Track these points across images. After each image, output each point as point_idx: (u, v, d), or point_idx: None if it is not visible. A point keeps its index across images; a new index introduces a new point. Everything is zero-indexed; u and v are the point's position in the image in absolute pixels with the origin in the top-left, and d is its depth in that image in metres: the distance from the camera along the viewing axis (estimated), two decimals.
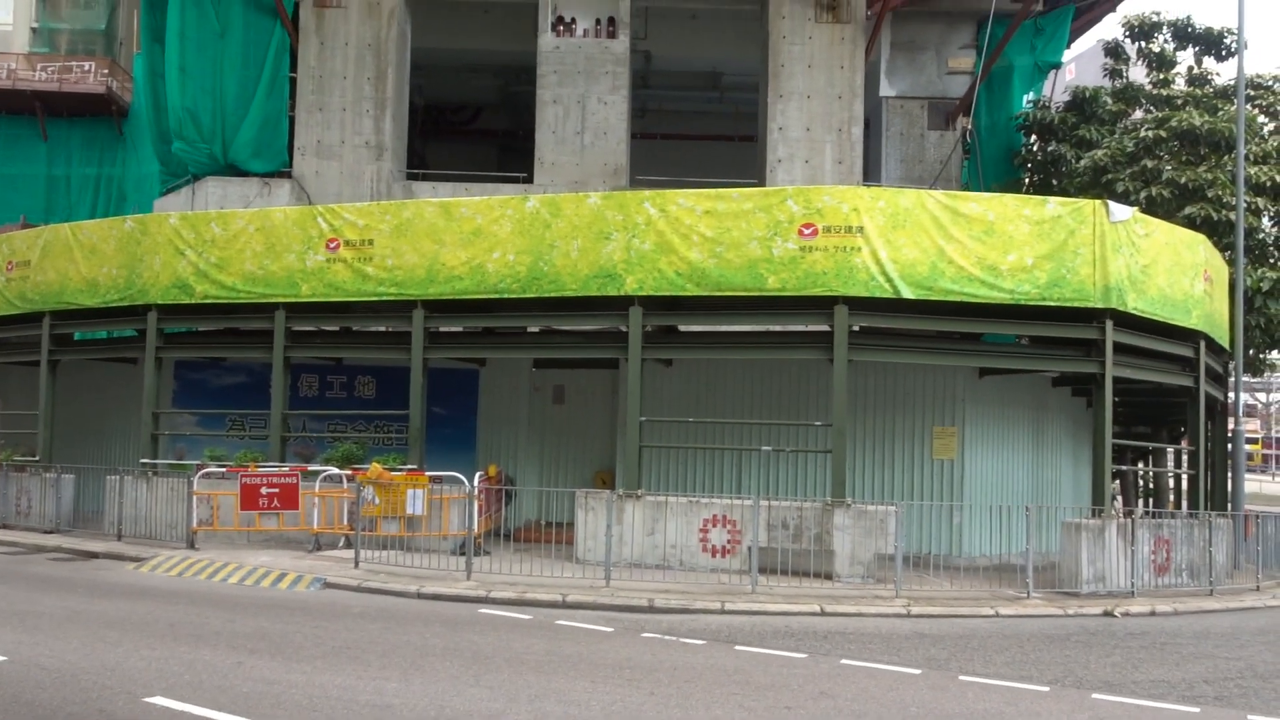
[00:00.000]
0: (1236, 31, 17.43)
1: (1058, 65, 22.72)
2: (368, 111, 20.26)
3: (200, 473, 14.41)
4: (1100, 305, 13.07)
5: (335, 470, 14.19)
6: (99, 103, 26.56)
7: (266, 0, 19.88)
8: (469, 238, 14.19)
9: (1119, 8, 23.20)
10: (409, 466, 14.04)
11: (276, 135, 20.23)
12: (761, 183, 20.03)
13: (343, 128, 20.26)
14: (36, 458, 16.85)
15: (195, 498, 14.02)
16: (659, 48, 23.55)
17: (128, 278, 15.81)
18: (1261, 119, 19.44)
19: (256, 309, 15.23)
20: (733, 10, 21.57)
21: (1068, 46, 23.27)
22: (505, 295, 14.03)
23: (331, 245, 14.74)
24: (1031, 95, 22.54)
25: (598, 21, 20.63)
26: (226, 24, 19.89)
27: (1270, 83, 20.13)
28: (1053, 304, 13.06)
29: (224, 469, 14.47)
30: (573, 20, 20.63)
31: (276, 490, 13.61)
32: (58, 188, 26.81)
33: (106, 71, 27.26)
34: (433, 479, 13.59)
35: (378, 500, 13.23)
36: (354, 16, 20.32)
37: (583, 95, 20.40)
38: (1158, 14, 20.29)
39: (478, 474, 13.49)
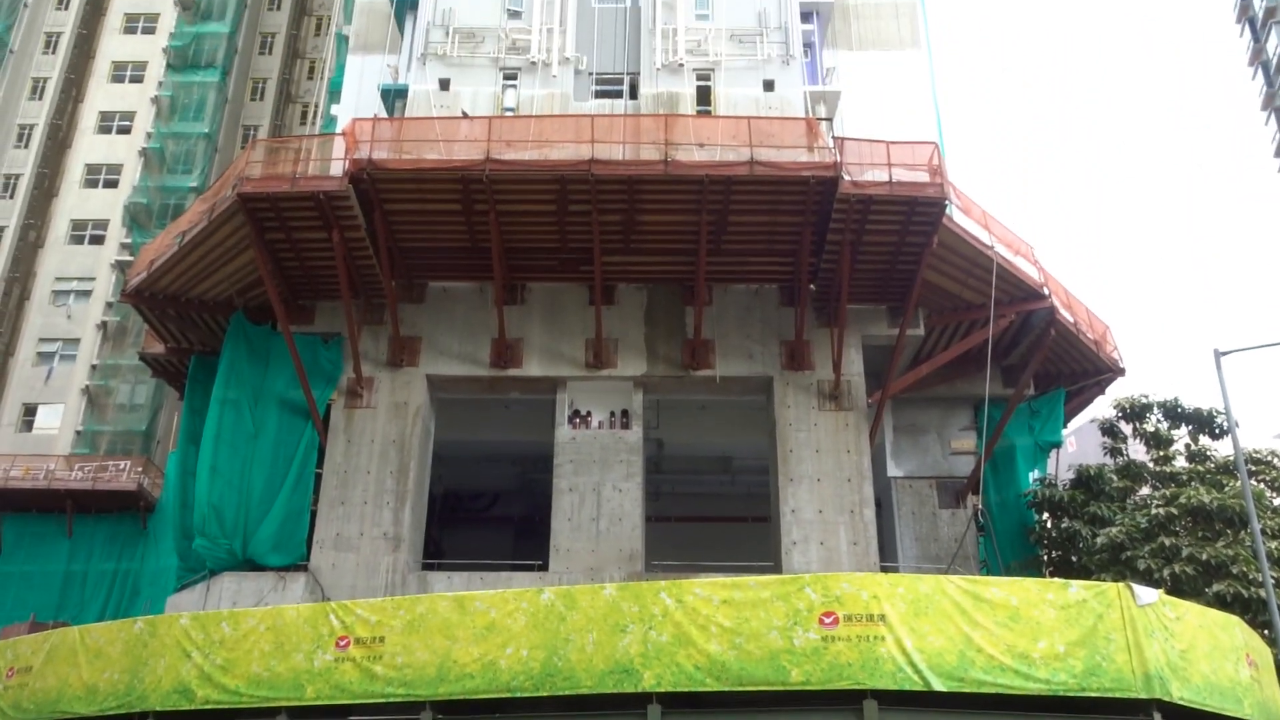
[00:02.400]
0: (1225, 412, 18.18)
1: (1058, 444, 23.44)
2: (388, 504, 20.70)
3: None
4: (1144, 695, 12.38)
5: None
6: (128, 499, 27.48)
7: (301, 404, 21.08)
8: (482, 633, 13.88)
9: (1109, 389, 24.48)
10: None
11: (297, 529, 20.51)
12: (777, 565, 19.92)
13: (362, 520, 20.56)
14: None
15: None
16: (671, 435, 24.58)
17: (129, 683, 15.26)
18: (1268, 493, 19.68)
19: (257, 714, 14.51)
20: (739, 401, 22.73)
21: (1064, 426, 24.18)
22: (517, 694, 13.43)
23: (341, 643, 14.39)
24: (1037, 472, 23.01)
25: (612, 414, 21.72)
26: (261, 426, 20.93)
27: (1268, 457, 20.62)
28: (1093, 694, 12.40)
29: None
30: (588, 414, 21.74)
31: None
32: (73, 584, 26.90)
33: (140, 469, 28.54)
34: None
35: None
36: (381, 415, 21.45)
37: (598, 483, 20.94)
38: (1146, 396, 21.27)
39: None
